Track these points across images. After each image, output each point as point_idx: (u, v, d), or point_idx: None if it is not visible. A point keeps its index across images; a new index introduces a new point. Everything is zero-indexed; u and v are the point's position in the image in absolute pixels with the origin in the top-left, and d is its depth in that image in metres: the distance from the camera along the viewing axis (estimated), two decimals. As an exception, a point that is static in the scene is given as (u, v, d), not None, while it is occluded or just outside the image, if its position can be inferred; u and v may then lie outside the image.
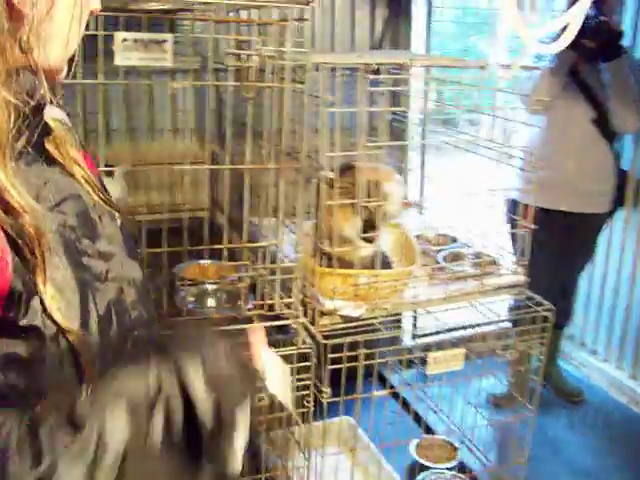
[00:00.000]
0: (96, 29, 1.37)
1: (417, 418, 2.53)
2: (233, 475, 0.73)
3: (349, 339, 1.83)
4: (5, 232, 0.69)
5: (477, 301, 2.14)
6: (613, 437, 2.91)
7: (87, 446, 0.64)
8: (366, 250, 1.94)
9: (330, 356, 1.81)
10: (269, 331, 1.82)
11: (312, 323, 1.87)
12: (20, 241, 0.69)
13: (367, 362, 1.89)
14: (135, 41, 1.31)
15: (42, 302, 0.72)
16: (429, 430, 2.63)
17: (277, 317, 1.84)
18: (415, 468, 2.38)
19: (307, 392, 1.84)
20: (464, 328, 2.37)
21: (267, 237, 1.87)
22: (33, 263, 0.71)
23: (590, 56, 2.63)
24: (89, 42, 1.38)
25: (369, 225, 1.92)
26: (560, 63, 2.62)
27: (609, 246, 3.23)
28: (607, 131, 2.75)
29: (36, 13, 0.73)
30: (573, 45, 2.54)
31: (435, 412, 2.73)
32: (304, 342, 1.81)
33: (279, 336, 1.84)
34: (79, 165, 0.88)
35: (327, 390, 1.83)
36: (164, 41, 1.33)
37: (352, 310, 1.87)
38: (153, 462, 0.67)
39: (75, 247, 0.80)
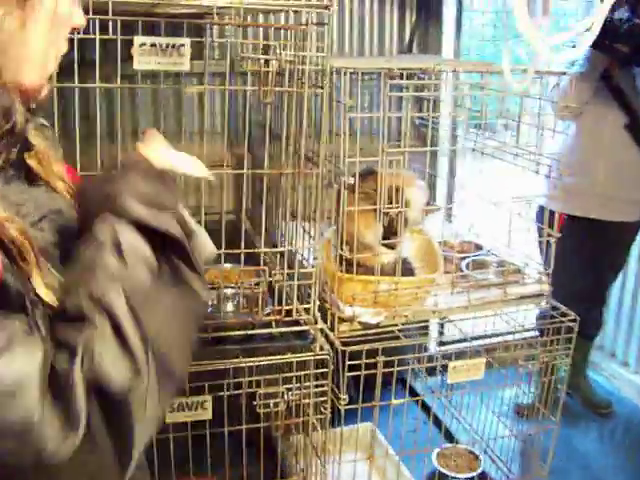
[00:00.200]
0: (115, 33, 1.38)
1: (439, 426, 2.50)
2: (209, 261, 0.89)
3: (367, 346, 1.82)
4: None
5: (501, 310, 2.11)
6: (643, 451, 2.84)
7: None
8: (387, 257, 1.92)
9: (348, 363, 1.79)
10: (287, 337, 1.83)
11: (331, 329, 1.86)
12: (11, 248, 0.70)
13: (386, 369, 1.87)
14: (153, 45, 1.32)
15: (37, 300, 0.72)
16: (451, 438, 2.60)
17: (295, 322, 1.83)
18: (435, 477, 2.35)
19: (324, 398, 1.83)
20: (489, 337, 2.33)
21: (286, 242, 1.87)
22: (26, 268, 0.71)
23: (624, 60, 2.56)
24: (114, 45, 1.39)
25: (390, 231, 1.90)
26: (592, 68, 2.57)
27: (641, 256, 3.15)
28: (640, 137, 2.69)
29: (2, 37, 0.74)
30: (606, 49, 2.51)
31: (458, 420, 2.70)
32: (322, 348, 1.80)
33: (297, 342, 1.83)
34: (62, 180, 0.89)
35: (344, 397, 1.82)
36: (182, 45, 1.34)
37: (371, 317, 1.85)
38: (158, 298, 0.75)
39: (58, 263, 0.80)
